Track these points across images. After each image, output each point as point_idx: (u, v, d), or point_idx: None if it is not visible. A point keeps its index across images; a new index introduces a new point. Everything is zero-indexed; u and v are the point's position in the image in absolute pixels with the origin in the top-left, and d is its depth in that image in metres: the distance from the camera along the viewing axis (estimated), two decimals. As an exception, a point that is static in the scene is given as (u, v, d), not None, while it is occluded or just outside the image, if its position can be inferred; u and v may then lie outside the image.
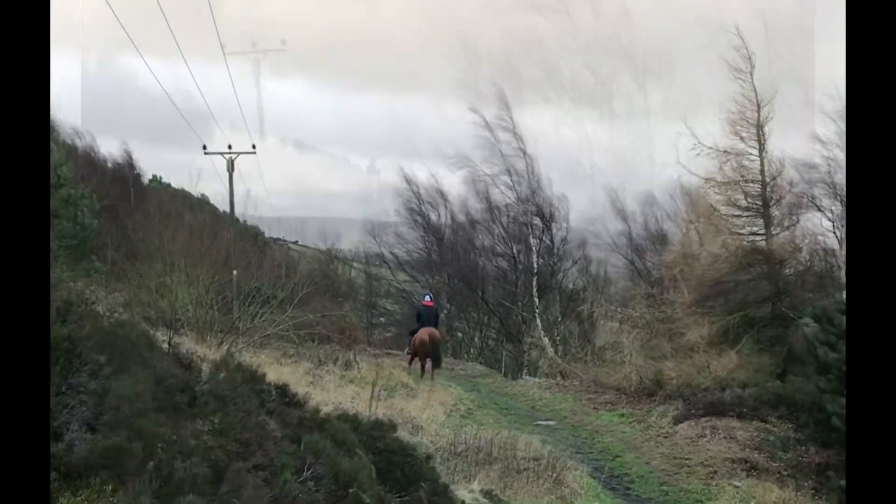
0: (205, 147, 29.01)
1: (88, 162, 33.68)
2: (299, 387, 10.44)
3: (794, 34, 29.09)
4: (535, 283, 33.00)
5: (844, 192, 20.88)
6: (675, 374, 19.80)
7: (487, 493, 10.44)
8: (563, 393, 21.91)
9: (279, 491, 5.45)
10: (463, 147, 36.59)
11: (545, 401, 20.82)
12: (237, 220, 33.47)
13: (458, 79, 38.51)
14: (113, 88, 40.60)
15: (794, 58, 26.85)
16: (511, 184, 35.16)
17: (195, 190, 39.28)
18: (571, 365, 26.45)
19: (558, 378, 25.32)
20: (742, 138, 21.55)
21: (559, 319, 33.11)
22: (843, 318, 14.86)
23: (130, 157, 37.75)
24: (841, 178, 21.37)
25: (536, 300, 32.62)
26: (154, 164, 38.85)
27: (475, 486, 10.64)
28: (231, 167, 28.40)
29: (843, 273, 20.58)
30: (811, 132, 23.36)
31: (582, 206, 36.12)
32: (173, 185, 39.89)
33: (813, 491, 13.92)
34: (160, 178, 39.80)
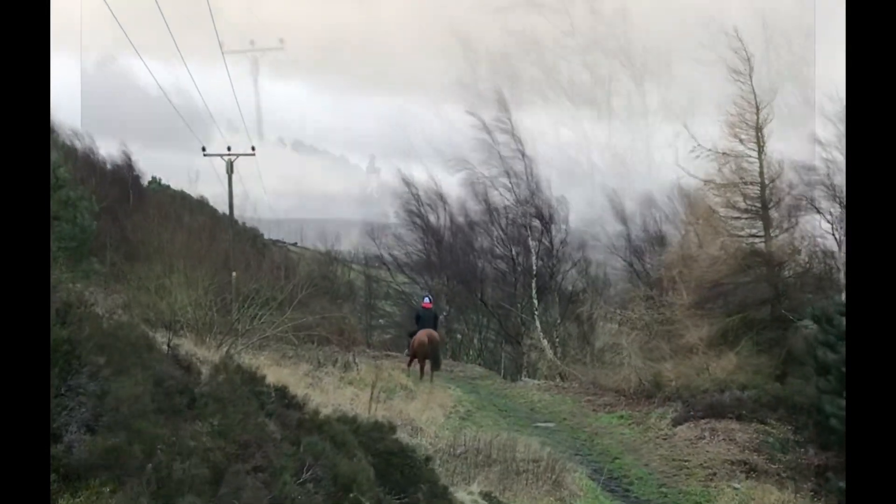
0: (204, 149, 29.00)
1: (88, 163, 33.68)
2: (298, 388, 10.43)
3: (794, 35, 29.08)
4: (534, 284, 32.99)
5: (843, 195, 20.91)
6: (674, 375, 19.81)
7: (487, 495, 10.42)
8: (563, 395, 21.91)
9: (278, 493, 5.44)
10: (462, 149, 36.59)
11: (544, 402, 20.82)
12: (236, 221, 33.45)
13: (458, 80, 38.54)
14: (112, 90, 40.55)
15: (794, 59, 26.88)
16: (510, 185, 35.19)
17: (194, 192, 39.28)
18: (570, 367, 26.46)
19: (557, 380, 25.32)
20: (741, 140, 21.57)
21: (558, 321, 33.09)
22: (843, 319, 14.88)
23: (130, 159, 37.76)
24: (840, 180, 21.39)
25: (535, 302, 32.61)
26: (153, 165, 38.71)
27: (474, 487, 10.62)
28: (230, 169, 28.38)
29: (841, 275, 20.60)
30: (811, 134, 23.41)
31: (581, 207, 36.12)
32: (173, 186, 39.88)
33: (812, 493, 13.93)
34: (159, 179, 39.79)
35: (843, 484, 12.32)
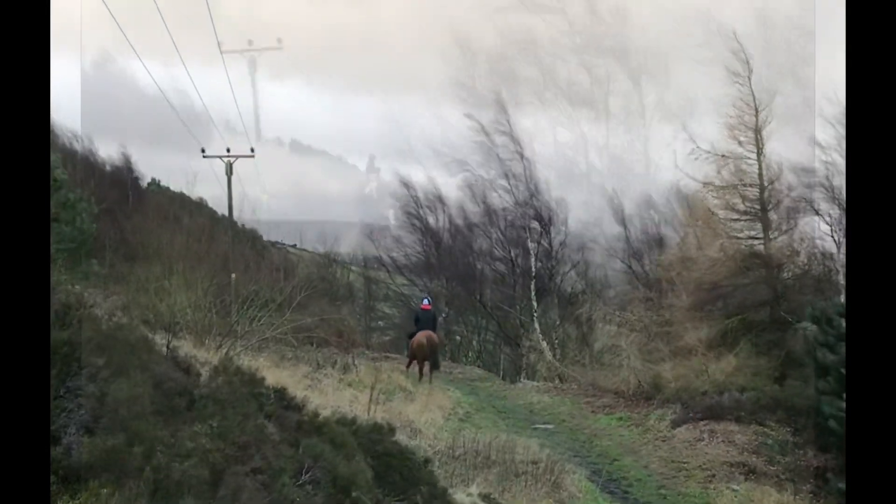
0: (203, 150, 29.00)
1: (87, 165, 33.67)
2: (298, 390, 10.42)
3: (793, 35, 29.13)
4: (533, 286, 33.01)
5: (843, 196, 20.92)
6: (673, 377, 19.80)
7: (486, 497, 10.42)
8: (562, 396, 21.89)
9: (277, 495, 5.44)
10: (461, 150, 36.69)
11: (543, 404, 20.81)
12: (235, 223, 33.44)
13: (457, 81, 38.48)
14: (112, 91, 40.54)
15: (793, 59, 26.90)
16: (508, 187, 35.25)
17: (193, 193, 39.25)
18: (569, 368, 26.45)
19: (556, 381, 25.31)
20: (740, 142, 21.58)
21: (557, 323, 33.09)
22: (843, 320, 14.89)
23: (129, 161, 37.74)
24: (839, 181, 21.40)
25: (535, 304, 32.62)
26: (153, 167, 38.67)
27: (473, 489, 10.62)
28: (229, 170, 28.39)
29: (840, 277, 20.61)
30: (810, 136, 23.40)
31: (580, 209, 36.16)
32: (172, 188, 39.85)
33: (811, 495, 13.93)
34: (159, 181, 39.76)
35: (842, 485, 12.32)
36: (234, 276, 24.03)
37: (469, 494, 10.25)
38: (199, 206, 38.75)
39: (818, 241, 22.51)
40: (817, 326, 16.11)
